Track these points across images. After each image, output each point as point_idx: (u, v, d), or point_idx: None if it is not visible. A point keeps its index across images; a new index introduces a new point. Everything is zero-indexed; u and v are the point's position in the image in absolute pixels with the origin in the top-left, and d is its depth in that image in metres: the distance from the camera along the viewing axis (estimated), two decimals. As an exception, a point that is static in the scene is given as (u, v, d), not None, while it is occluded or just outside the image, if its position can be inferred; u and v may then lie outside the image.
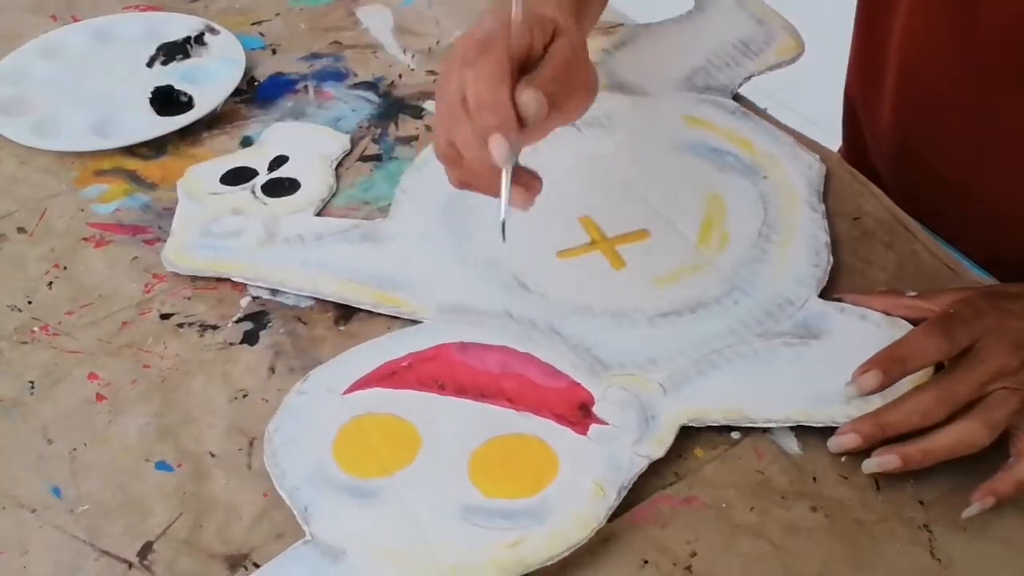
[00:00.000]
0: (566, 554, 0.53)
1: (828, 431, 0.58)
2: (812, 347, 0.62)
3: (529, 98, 0.52)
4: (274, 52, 0.88)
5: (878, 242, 0.69)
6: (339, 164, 0.77)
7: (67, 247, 0.72)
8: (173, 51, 0.86)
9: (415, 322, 0.65)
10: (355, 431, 0.58)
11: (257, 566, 0.54)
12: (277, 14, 0.92)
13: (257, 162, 0.76)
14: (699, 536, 0.55)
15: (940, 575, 0.53)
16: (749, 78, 0.81)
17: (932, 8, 0.71)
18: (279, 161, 0.75)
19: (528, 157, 0.57)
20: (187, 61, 0.86)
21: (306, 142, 0.78)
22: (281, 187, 0.74)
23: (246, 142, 0.79)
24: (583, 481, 0.56)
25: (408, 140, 0.78)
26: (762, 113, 0.79)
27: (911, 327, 0.60)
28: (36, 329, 0.66)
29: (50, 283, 0.69)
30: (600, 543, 0.54)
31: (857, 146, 0.86)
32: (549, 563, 0.53)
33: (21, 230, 0.73)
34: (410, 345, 0.62)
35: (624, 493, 0.56)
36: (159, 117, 0.80)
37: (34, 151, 0.79)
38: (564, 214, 0.70)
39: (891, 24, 0.75)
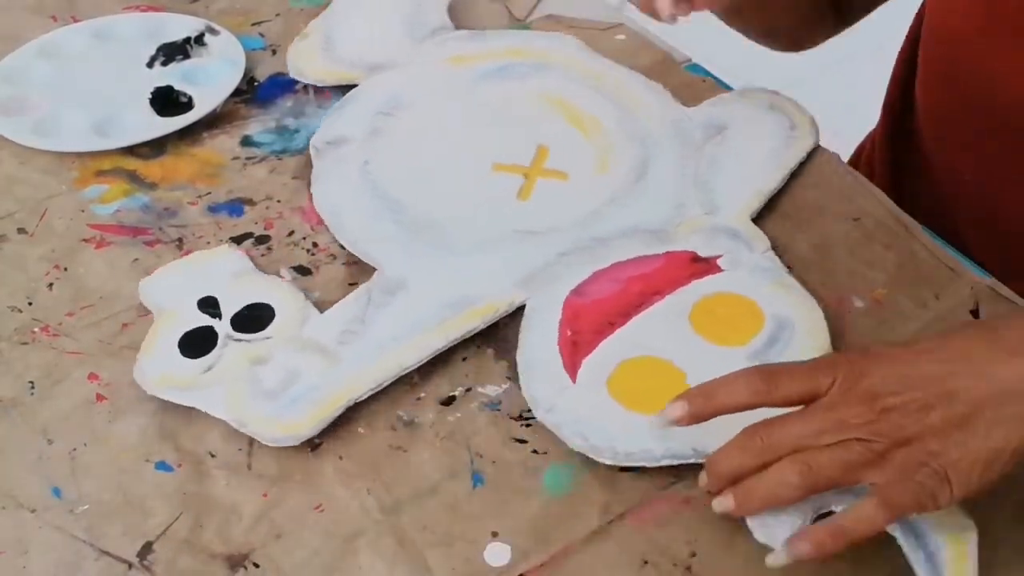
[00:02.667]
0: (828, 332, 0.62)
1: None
2: (731, 134, 0.75)
3: None
4: (274, 52, 0.88)
5: (877, 243, 0.69)
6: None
7: (67, 248, 0.72)
8: (173, 51, 0.86)
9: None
10: (624, 390, 0.60)
11: (257, 566, 0.54)
12: (277, 14, 0.92)
13: (190, 321, 0.65)
14: (699, 536, 0.55)
15: (940, 575, 0.53)
16: (447, 4, 0.88)
17: None
18: (211, 302, 0.66)
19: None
20: (187, 61, 0.86)
21: (203, 277, 0.68)
22: (256, 318, 0.65)
23: (246, 142, 0.80)
24: (769, 290, 0.65)
25: (408, 140, 0.78)
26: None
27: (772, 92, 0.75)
28: (36, 330, 0.66)
29: (50, 284, 0.69)
30: (600, 543, 0.54)
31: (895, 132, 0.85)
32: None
33: (21, 230, 0.73)
34: (544, 325, 0.64)
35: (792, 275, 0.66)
36: (159, 117, 0.80)
37: (34, 151, 0.79)
38: (479, 173, 0.74)
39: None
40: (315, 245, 0.71)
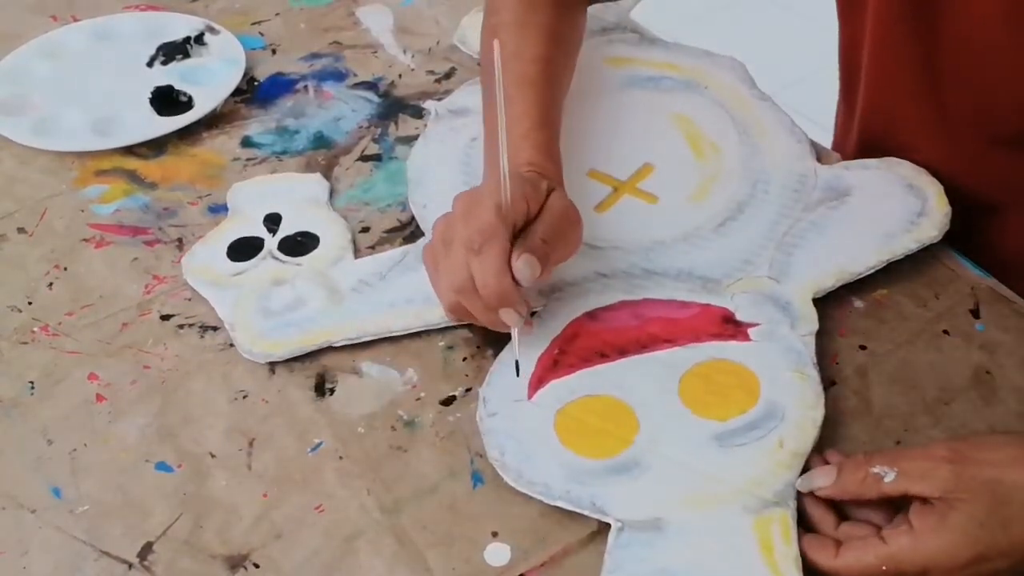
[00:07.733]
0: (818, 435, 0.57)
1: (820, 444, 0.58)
2: (851, 203, 0.69)
3: (524, 263, 0.58)
4: (274, 52, 0.88)
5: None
6: (335, 166, 0.77)
7: (67, 248, 0.72)
8: (173, 51, 0.86)
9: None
10: (571, 423, 0.59)
11: (257, 567, 0.54)
12: (277, 14, 0.92)
13: (250, 229, 0.71)
14: (699, 537, 0.55)
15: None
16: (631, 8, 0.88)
17: (895, 14, 0.70)
18: (274, 219, 0.71)
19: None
20: (187, 61, 0.86)
21: (284, 193, 0.74)
22: (300, 244, 0.69)
23: (246, 142, 0.80)
24: (784, 375, 0.60)
25: (408, 140, 0.78)
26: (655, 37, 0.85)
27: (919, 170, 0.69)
28: (36, 329, 0.66)
29: (50, 284, 0.69)
30: (600, 543, 0.54)
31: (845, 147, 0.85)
32: (812, 447, 0.57)
33: (21, 230, 0.73)
34: (542, 337, 0.63)
35: (817, 368, 0.60)
36: (159, 117, 0.81)
37: (34, 151, 0.79)
38: (572, 175, 0.69)
39: (863, 32, 0.75)
40: (315, 245, 0.71)
